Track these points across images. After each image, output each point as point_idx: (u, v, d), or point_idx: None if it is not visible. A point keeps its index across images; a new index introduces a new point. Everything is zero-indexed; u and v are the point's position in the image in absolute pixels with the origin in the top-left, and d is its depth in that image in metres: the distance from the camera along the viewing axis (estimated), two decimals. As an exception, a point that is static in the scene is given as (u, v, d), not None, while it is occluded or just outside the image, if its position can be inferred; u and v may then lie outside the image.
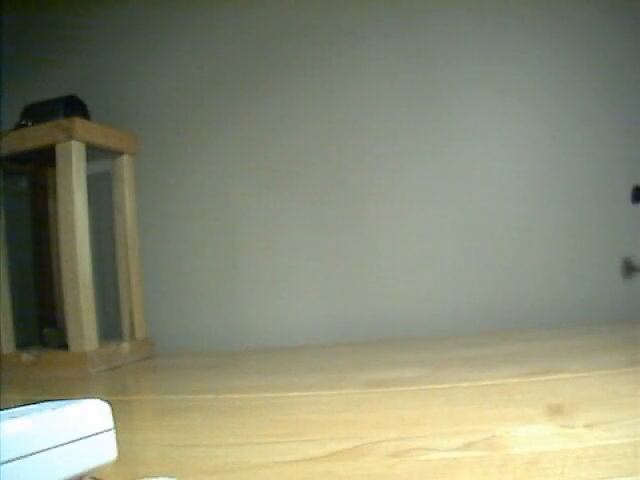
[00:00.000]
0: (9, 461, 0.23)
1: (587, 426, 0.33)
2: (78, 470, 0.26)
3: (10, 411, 0.26)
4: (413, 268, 0.89)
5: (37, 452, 0.24)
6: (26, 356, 0.80)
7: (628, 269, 0.81)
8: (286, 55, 0.95)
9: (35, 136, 0.80)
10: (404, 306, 0.89)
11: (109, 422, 0.28)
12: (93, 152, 0.83)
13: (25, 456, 0.24)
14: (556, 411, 0.37)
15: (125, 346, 0.85)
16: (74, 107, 0.87)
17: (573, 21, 0.85)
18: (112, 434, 0.28)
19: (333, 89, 0.93)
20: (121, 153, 0.89)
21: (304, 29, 0.94)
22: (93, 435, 0.27)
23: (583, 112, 0.85)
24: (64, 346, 0.80)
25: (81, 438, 0.27)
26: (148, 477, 0.28)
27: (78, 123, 0.78)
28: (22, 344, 0.89)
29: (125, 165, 0.89)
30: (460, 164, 0.88)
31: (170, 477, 0.28)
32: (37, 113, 0.85)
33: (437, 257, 0.88)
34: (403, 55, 0.91)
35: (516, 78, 0.87)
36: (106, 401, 0.29)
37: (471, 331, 0.85)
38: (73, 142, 0.77)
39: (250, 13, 0.96)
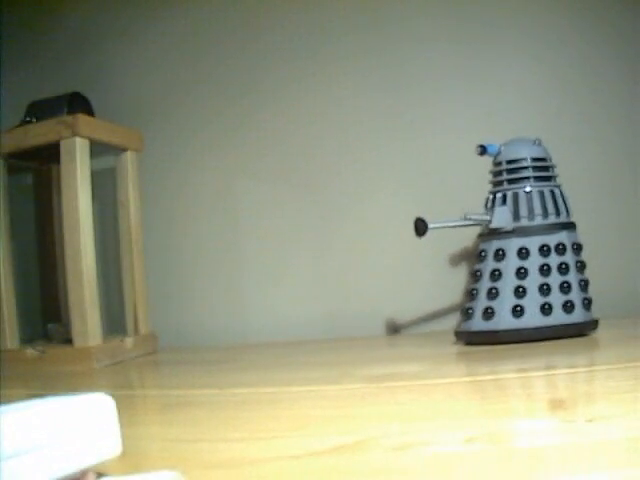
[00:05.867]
0: (12, 456, 0.24)
1: (589, 421, 0.33)
2: (82, 465, 0.26)
3: (14, 405, 0.26)
4: (410, 263, 0.89)
5: (41, 447, 0.25)
6: (31, 351, 0.80)
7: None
8: (281, 56, 0.95)
9: (39, 133, 0.80)
10: (403, 301, 0.89)
11: (113, 416, 0.28)
12: (97, 148, 0.83)
13: (28, 451, 0.24)
14: (558, 406, 0.37)
15: (129, 341, 0.85)
16: (78, 104, 0.87)
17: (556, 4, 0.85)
18: (116, 428, 0.28)
19: (321, 86, 0.94)
20: (125, 149, 0.89)
21: (293, 25, 0.95)
22: (97, 429, 0.27)
23: (575, 107, 0.84)
24: (68, 341, 0.80)
25: (85, 432, 0.27)
26: (150, 471, 0.28)
27: (82, 120, 0.79)
28: (26, 339, 0.89)
29: (129, 161, 0.89)
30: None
31: (172, 471, 0.28)
32: (41, 110, 0.85)
33: (432, 251, 0.88)
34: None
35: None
36: (110, 395, 0.29)
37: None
38: (77, 138, 0.78)
39: (260, 16, 0.96)
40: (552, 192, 0.66)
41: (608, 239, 0.82)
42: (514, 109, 0.86)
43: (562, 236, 0.65)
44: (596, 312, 0.66)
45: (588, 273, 0.67)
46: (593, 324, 0.65)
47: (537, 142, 0.67)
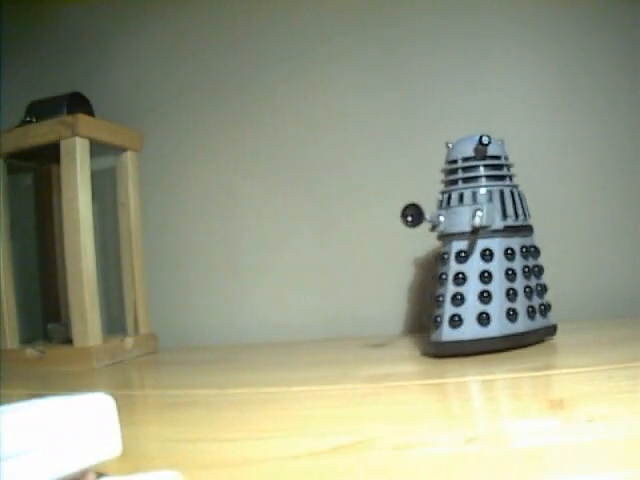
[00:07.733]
0: (12, 456, 0.24)
1: (589, 421, 0.33)
2: (82, 465, 0.26)
3: (14, 405, 0.26)
4: (411, 263, 0.89)
5: (40, 447, 0.25)
6: (30, 351, 0.80)
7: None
8: (280, 54, 0.95)
9: (39, 132, 0.80)
10: (403, 301, 0.89)
11: (113, 416, 0.28)
12: (97, 148, 0.83)
13: (28, 451, 0.24)
14: (558, 406, 0.37)
15: (129, 341, 0.85)
16: (78, 104, 0.87)
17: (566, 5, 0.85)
18: (116, 428, 0.28)
19: (316, 83, 0.93)
20: (125, 149, 0.89)
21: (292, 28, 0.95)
22: (97, 429, 0.27)
23: (587, 108, 0.84)
24: (68, 341, 0.80)
25: (85, 433, 0.27)
26: (150, 471, 0.28)
27: (82, 119, 0.79)
28: (26, 339, 0.89)
29: (129, 161, 0.89)
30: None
31: (172, 471, 0.28)
32: (41, 110, 0.85)
33: (433, 250, 0.88)
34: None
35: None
36: (110, 395, 0.29)
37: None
38: (77, 138, 0.78)
39: (258, 14, 0.96)
40: (520, 193, 0.64)
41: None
42: (515, 107, 0.86)
43: (533, 239, 0.64)
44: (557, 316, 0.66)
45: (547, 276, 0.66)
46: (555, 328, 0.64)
47: (501, 142, 0.64)
